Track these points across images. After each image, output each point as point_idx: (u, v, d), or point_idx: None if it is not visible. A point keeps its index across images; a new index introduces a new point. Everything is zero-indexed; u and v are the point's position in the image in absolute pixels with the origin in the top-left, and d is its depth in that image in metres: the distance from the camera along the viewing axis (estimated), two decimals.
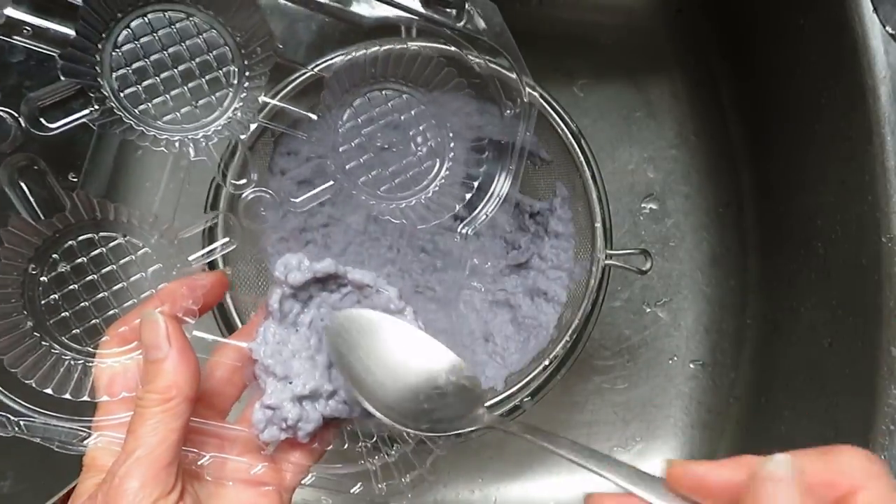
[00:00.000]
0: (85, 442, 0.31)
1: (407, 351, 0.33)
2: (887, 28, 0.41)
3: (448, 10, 0.35)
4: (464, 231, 0.38)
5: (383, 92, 0.38)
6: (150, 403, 0.28)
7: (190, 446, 0.31)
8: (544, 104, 0.45)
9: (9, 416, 0.31)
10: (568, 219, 0.50)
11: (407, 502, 0.34)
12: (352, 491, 0.34)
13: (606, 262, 0.44)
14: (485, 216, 0.38)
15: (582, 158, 0.45)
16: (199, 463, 0.32)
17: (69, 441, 0.31)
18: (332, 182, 0.36)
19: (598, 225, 0.45)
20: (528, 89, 0.36)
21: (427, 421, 0.32)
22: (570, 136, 0.45)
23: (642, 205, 0.59)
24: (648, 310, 0.59)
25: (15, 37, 0.32)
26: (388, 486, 0.34)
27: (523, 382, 0.44)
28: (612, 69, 0.60)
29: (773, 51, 0.53)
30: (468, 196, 0.38)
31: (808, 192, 0.50)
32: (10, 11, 0.31)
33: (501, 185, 0.37)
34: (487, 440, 0.52)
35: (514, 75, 0.36)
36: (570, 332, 0.44)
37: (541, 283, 0.50)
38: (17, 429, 0.31)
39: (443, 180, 0.38)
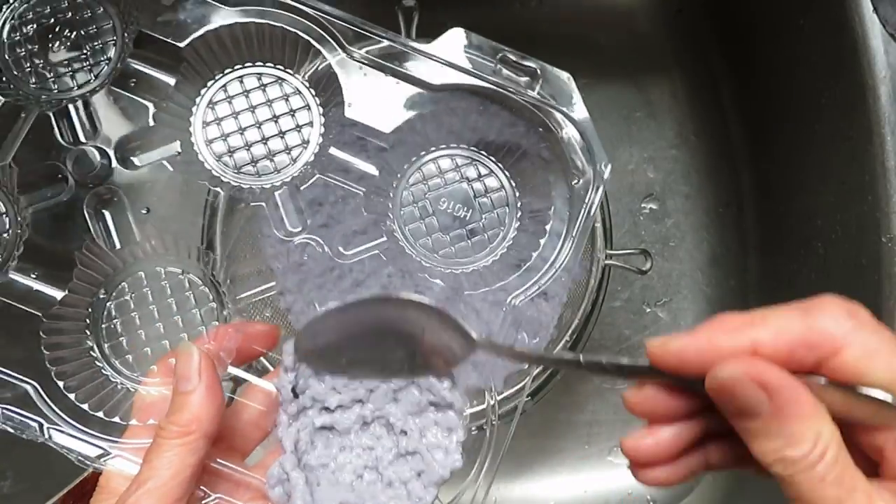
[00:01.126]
0: (102, 460, 0.32)
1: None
2: (887, 28, 0.41)
3: (520, 77, 0.36)
4: (513, 302, 0.38)
5: (453, 158, 0.39)
6: (170, 435, 0.28)
7: (201, 484, 0.31)
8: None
9: (43, 422, 0.33)
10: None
11: None
12: None
13: (606, 262, 0.44)
14: (537, 287, 0.38)
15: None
16: (203, 502, 0.31)
17: (89, 457, 0.32)
18: (384, 238, 0.37)
19: (598, 225, 0.45)
20: (600, 165, 0.36)
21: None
22: None
23: (642, 205, 0.59)
24: (648, 310, 0.59)
25: (123, 90, 0.36)
26: None
27: (523, 382, 0.44)
28: (612, 69, 0.60)
29: (773, 51, 0.53)
30: (525, 266, 0.39)
31: (808, 192, 0.50)
32: (130, 61, 0.36)
33: (561, 260, 0.37)
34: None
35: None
36: (570, 332, 0.44)
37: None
38: (46, 436, 0.32)
39: (504, 250, 0.39)
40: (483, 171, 0.39)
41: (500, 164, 0.39)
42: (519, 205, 0.39)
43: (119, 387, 0.35)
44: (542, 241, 0.38)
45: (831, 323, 0.22)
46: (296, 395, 0.33)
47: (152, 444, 0.29)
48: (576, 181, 0.37)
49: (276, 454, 0.33)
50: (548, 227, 0.38)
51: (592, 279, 0.45)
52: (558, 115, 0.37)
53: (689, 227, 0.59)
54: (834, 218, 0.47)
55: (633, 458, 0.25)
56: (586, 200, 0.36)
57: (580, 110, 0.37)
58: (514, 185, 0.39)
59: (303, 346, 0.31)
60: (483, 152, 0.39)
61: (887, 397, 0.22)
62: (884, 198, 0.41)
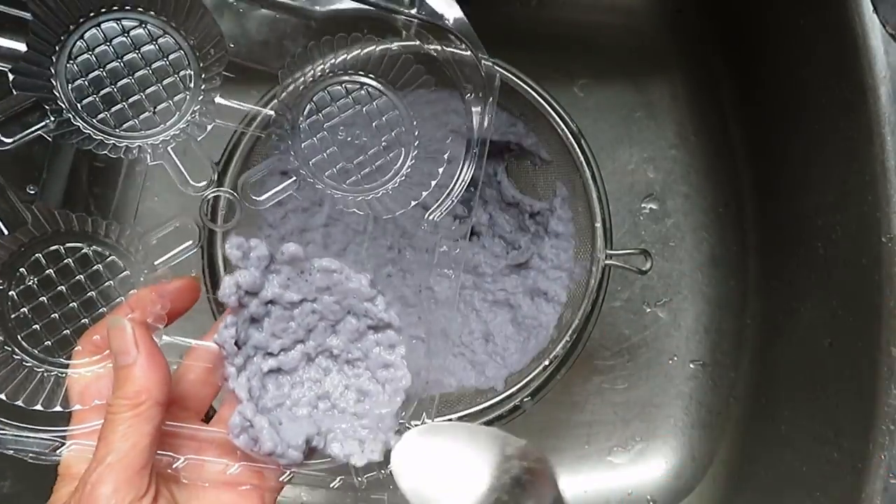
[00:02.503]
0: (58, 451, 0.31)
1: (470, 458, 0.31)
2: (887, 28, 0.41)
3: None
4: (431, 218, 0.37)
5: (343, 85, 0.38)
6: (120, 409, 0.28)
7: (166, 450, 0.31)
8: (544, 104, 0.45)
9: None
10: (568, 219, 0.50)
11: (389, 494, 0.34)
12: (332, 486, 0.34)
13: (606, 262, 0.44)
14: (450, 202, 0.37)
15: (582, 158, 0.45)
16: (174, 466, 0.31)
17: (42, 451, 0.31)
18: (293, 178, 0.36)
19: (598, 225, 0.45)
20: (487, 71, 0.36)
21: None
22: (570, 136, 0.45)
23: (642, 205, 0.59)
24: (648, 310, 0.59)
25: None
26: (369, 479, 0.34)
27: (523, 382, 0.44)
28: (612, 69, 0.60)
29: (773, 51, 0.53)
30: (434, 183, 0.38)
31: (808, 192, 0.50)
32: None
33: (467, 169, 0.37)
34: None
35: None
36: (570, 332, 0.44)
37: (541, 283, 0.50)
38: None
39: (409, 169, 0.38)
40: (374, 93, 0.38)
41: (390, 85, 0.38)
42: (415, 122, 0.38)
43: (46, 375, 0.34)
44: (446, 156, 0.37)
45: None
46: (238, 347, 0.33)
47: (105, 422, 0.29)
48: (468, 94, 0.36)
49: (230, 406, 0.33)
50: (448, 141, 0.37)
51: (592, 279, 0.45)
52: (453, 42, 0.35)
53: (689, 227, 0.59)
54: (834, 218, 0.47)
55: None
56: (482, 109, 0.36)
57: (461, 23, 0.35)
58: (406, 104, 0.38)
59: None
60: (371, 75, 0.38)
61: None
62: (884, 198, 0.41)
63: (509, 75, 0.45)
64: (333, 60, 0.37)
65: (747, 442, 0.55)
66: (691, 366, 0.59)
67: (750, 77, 0.57)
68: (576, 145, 0.45)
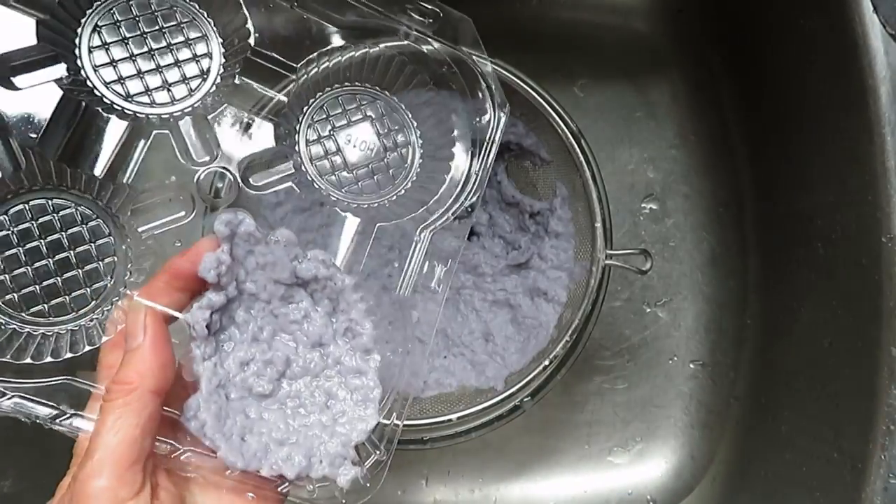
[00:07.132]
0: (58, 420, 0.30)
1: None
2: (887, 28, 0.41)
3: (422, 18, 0.37)
4: (422, 236, 0.37)
5: (355, 95, 0.38)
6: (113, 396, 0.28)
7: (170, 439, 0.30)
8: (544, 104, 0.45)
9: None
10: (568, 219, 0.50)
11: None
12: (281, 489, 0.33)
13: (606, 262, 0.44)
14: (447, 218, 0.37)
15: (582, 158, 0.45)
16: (173, 456, 0.30)
17: (46, 419, 0.30)
18: (291, 166, 0.36)
19: (598, 225, 0.45)
20: (498, 100, 0.37)
21: None
22: (570, 136, 0.45)
23: (642, 205, 0.59)
24: (648, 310, 0.59)
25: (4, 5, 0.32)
26: (320, 489, 0.32)
27: (523, 382, 0.44)
28: (612, 69, 0.60)
29: (774, 51, 0.53)
30: (440, 190, 0.38)
31: (808, 192, 0.50)
32: None
33: (467, 193, 0.37)
34: (487, 440, 0.53)
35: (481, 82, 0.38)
36: (570, 332, 0.44)
37: (541, 283, 0.50)
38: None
39: (413, 178, 0.38)
40: (386, 109, 0.38)
41: (402, 104, 0.39)
42: (420, 143, 0.38)
43: (20, 331, 0.33)
44: (447, 177, 0.37)
45: None
46: (210, 331, 0.31)
47: (100, 411, 0.28)
48: (477, 119, 0.37)
49: (194, 388, 0.31)
50: (452, 164, 0.38)
51: (592, 279, 0.45)
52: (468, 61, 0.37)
53: (689, 227, 0.59)
54: (834, 218, 0.47)
55: None
56: (488, 136, 0.37)
57: (479, 50, 0.37)
58: (416, 124, 0.38)
59: None
60: (386, 92, 0.38)
61: None
62: (884, 198, 0.41)
63: (509, 75, 0.45)
64: (349, 65, 0.38)
65: (747, 442, 0.55)
66: (691, 366, 0.59)
67: (750, 77, 0.57)
68: (576, 145, 0.45)
